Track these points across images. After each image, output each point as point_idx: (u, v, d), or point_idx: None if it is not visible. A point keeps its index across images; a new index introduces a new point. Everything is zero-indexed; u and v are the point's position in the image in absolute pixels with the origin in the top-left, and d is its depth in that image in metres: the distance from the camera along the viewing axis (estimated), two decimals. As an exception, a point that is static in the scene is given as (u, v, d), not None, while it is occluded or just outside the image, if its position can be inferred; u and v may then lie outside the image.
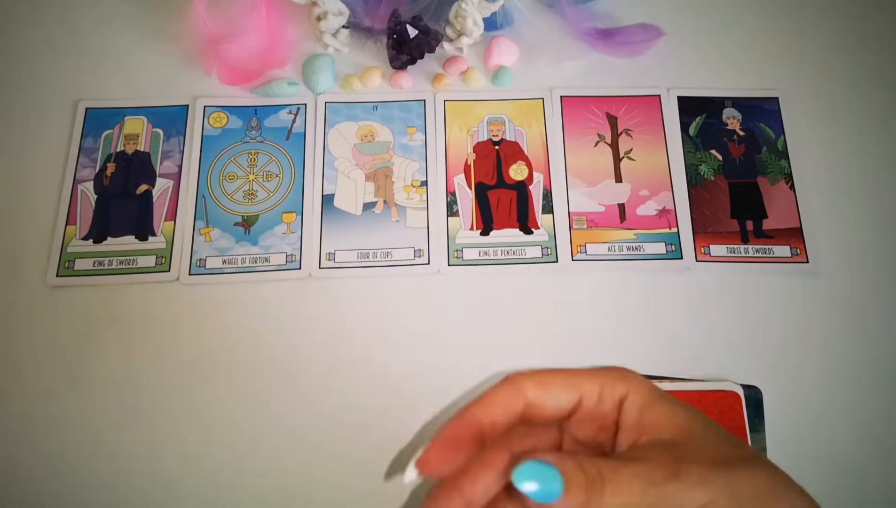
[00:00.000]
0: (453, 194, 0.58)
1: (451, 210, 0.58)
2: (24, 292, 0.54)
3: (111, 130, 0.60)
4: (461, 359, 0.53)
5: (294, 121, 0.61)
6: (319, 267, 0.55)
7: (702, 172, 0.59)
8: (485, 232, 0.57)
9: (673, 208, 0.58)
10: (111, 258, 0.56)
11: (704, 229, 0.57)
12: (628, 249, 0.56)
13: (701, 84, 0.62)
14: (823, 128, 0.61)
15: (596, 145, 0.60)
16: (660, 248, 0.56)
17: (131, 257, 0.56)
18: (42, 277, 0.55)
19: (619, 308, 0.54)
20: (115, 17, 0.65)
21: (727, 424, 0.50)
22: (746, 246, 0.56)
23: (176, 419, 0.51)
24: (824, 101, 0.62)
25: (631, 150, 0.60)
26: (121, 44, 0.63)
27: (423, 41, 0.60)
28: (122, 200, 0.58)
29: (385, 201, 0.58)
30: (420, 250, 0.56)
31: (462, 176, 0.59)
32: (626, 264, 0.56)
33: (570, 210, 0.58)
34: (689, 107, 0.61)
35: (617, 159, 0.60)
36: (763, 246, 0.56)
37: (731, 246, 0.56)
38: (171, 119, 0.60)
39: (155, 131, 0.60)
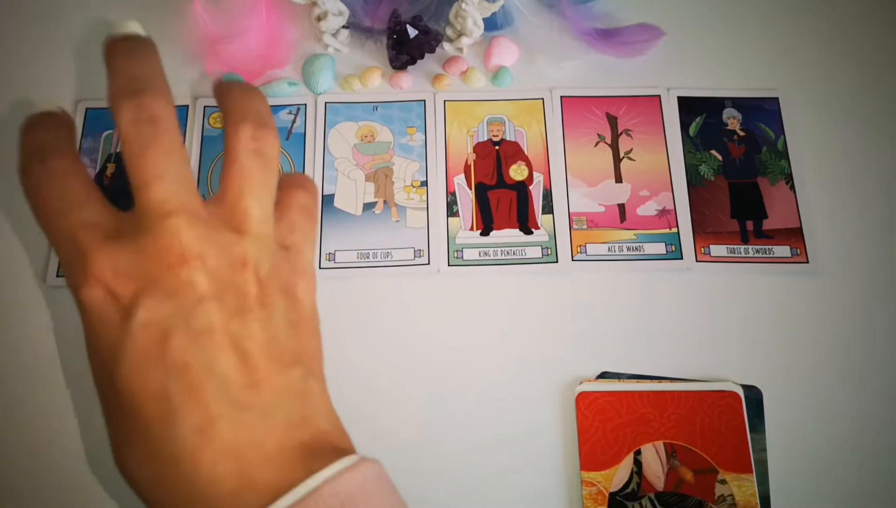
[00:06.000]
0: (453, 194, 0.58)
1: (451, 210, 0.58)
2: (24, 292, 0.54)
3: (111, 130, 0.60)
4: (461, 359, 0.53)
5: (294, 121, 0.61)
6: (319, 267, 0.55)
7: (702, 173, 0.59)
8: (485, 232, 0.57)
9: (673, 208, 0.58)
10: (111, 258, 0.55)
11: (704, 230, 0.57)
12: (628, 249, 0.56)
13: (701, 84, 0.62)
14: (823, 128, 0.61)
15: (596, 145, 0.60)
16: (660, 248, 0.56)
17: (131, 258, 0.55)
18: (42, 277, 0.55)
19: (619, 308, 0.54)
20: (114, 18, 0.65)
21: (727, 424, 0.50)
22: (746, 246, 0.56)
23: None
24: (824, 101, 0.62)
25: (631, 150, 0.60)
26: (121, 44, 0.63)
27: (423, 41, 0.60)
28: (122, 200, 0.57)
29: (385, 202, 0.58)
30: (420, 250, 0.56)
31: (462, 176, 0.59)
32: (627, 265, 0.56)
33: (570, 210, 0.58)
34: (689, 107, 0.61)
35: (617, 159, 0.60)
36: (763, 246, 0.56)
37: (731, 246, 0.56)
38: (171, 119, 0.60)
39: (155, 131, 0.60)
